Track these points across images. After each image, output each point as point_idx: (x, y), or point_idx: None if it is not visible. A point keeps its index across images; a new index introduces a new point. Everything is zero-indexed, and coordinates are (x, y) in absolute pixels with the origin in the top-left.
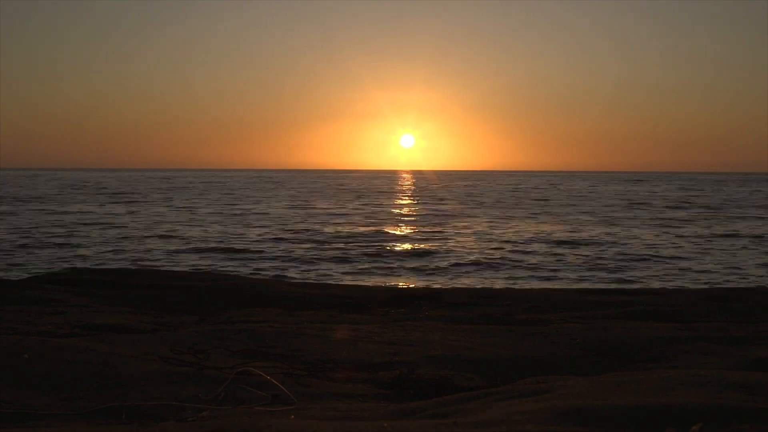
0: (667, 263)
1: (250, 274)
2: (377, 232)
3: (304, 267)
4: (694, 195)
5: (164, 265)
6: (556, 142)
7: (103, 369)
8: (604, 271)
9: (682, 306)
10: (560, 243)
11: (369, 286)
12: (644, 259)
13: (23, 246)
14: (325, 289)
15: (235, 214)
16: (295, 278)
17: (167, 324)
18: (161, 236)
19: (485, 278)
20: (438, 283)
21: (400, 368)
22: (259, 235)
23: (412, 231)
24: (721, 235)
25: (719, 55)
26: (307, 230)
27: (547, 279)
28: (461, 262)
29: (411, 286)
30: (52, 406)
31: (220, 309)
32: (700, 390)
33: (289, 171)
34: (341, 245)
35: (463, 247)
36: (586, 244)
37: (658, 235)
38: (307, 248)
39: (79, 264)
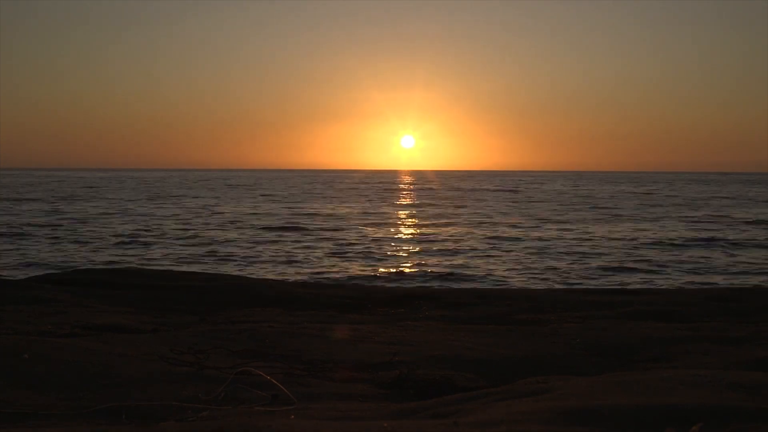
0: None
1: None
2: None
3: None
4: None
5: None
6: (556, 142)
7: (103, 369)
8: None
9: (682, 306)
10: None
11: (368, 286)
12: None
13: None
14: (325, 289)
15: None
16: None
17: (167, 324)
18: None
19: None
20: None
21: (400, 368)
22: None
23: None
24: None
25: (719, 54)
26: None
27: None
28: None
29: (412, 286)
30: (53, 406)
31: (220, 309)
32: (700, 390)
33: (295, 170)
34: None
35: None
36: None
37: None
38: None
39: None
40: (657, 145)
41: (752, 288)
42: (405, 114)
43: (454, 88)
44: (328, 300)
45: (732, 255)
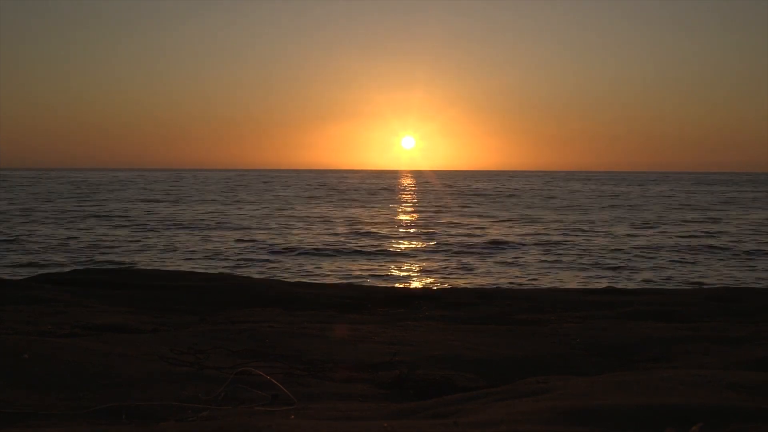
0: None
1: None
2: None
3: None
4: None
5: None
6: (554, 142)
7: (103, 369)
8: None
9: (682, 306)
10: None
11: (368, 286)
12: None
13: None
14: (325, 289)
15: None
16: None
17: (167, 324)
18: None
19: None
20: None
21: (400, 368)
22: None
23: None
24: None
25: (718, 55)
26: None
27: None
28: None
29: (412, 286)
30: (52, 406)
31: (220, 309)
32: (700, 390)
33: (292, 171)
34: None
35: None
36: None
37: None
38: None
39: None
40: (656, 146)
41: (752, 288)
42: (405, 115)
43: (453, 90)
44: (328, 300)
45: None
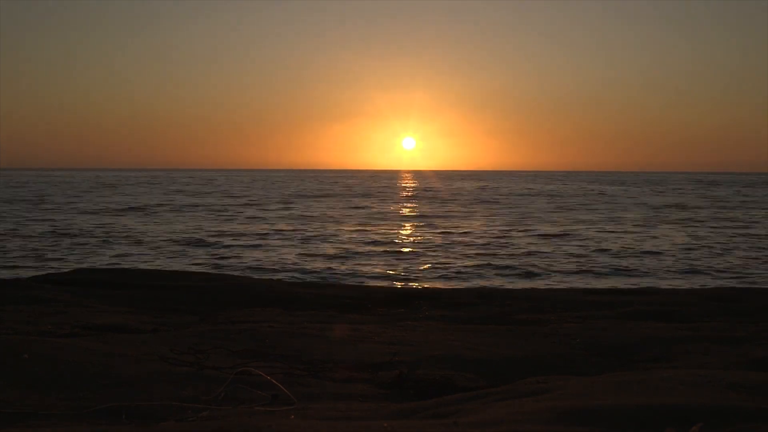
0: None
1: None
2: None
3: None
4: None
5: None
6: (554, 142)
7: (103, 369)
8: None
9: (682, 306)
10: None
11: (369, 286)
12: None
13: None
14: (325, 289)
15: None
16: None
17: (167, 324)
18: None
19: None
20: None
21: (400, 368)
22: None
23: None
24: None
25: (718, 54)
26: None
27: None
28: None
29: (412, 286)
30: (52, 406)
31: (220, 309)
32: (700, 390)
33: (293, 171)
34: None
35: None
36: None
37: None
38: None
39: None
40: (658, 145)
41: (752, 288)
42: (406, 116)
43: (453, 91)
44: (328, 300)
45: None
